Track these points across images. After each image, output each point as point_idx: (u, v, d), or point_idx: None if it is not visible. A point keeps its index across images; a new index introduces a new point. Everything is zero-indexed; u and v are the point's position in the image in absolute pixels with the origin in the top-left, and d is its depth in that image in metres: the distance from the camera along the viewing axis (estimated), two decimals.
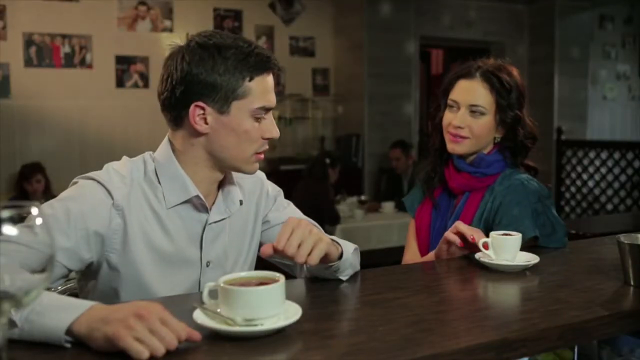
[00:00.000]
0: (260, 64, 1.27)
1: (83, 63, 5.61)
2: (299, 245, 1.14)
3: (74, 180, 1.28)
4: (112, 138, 5.45)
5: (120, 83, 5.70)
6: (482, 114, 1.68)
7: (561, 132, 6.97)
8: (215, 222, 1.34)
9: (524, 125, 1.73)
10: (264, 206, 1.47)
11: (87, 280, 1.31)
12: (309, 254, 1.15)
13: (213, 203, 1.35)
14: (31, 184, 4.77)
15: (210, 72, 1.24)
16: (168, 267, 1.29)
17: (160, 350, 0.88)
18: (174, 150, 1.32)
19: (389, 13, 6.53)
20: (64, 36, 5.53)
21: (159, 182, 1.30)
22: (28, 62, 5.42)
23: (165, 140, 1.35)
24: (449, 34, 7.17)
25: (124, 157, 1.34)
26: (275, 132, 1.32)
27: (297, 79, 6.65)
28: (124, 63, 5.71)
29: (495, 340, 0.97)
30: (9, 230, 0.74)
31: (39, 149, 5.38)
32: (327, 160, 4.85)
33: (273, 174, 5.83)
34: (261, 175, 1.52)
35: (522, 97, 1.74)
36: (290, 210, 1.51)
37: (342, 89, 6.78)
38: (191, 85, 1.24)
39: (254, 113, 1.27)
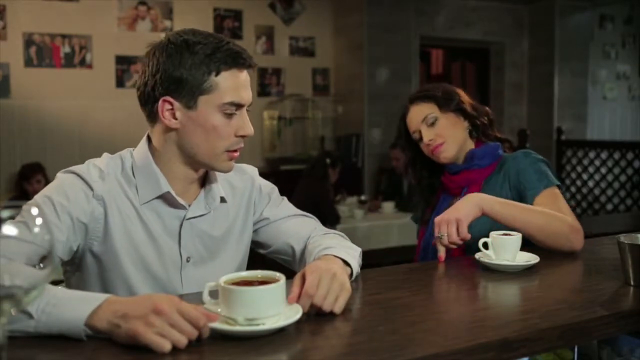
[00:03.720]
0: (228, 58, 1.26)
1: (83, 63, 5.61)
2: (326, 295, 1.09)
3: (57, 175, 1.30)
4: (112, 138, 5.45)
5: (120, 83, 5.70)
6: (436, 119, 1.82)
7: (561, 132, 6.97)
8: (193, 217, 1.35)
9: (470, 105, 1.87)
10: (256, 203, 1.48)
11: (72, 272, 1.33)
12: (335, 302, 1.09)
13: (195, 199, 1.36)
14: (31, 184, 4.77)
15: (177, 66, 1.25)
16: (147, 260, 1.31)
17: (183, 341, 0.91)
18: (151, 147, 1.34)
19: (389, 13, 6.53)
20: (64, 36, 5.53)
21: (135, 178, 1.32)
22: (28, 62, 5.42)
23: (145, 137, 1.37)
24: (449, 34, 7.17)
25: (105, 154, 1.37)
26: (248, 129, 1.30)
27: (297, 79, 6.65)
28: (124, 63, 5.72)
29: (495, 340, 0.97)
30: (9, 229, 0.74)
31: (39, 149, 5.38)
32: (328, 161, 4.85)
33: (273, 174, 5.83)
34: (252, 172, 1.52)
35: (454, 89, 1.89)
36: (285, 205, 1.52)
37: (342, 89, 6.78)
38: (160, 81, 1.26)
39: (222, 108, 1.26)
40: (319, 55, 6.78)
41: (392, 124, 7.21)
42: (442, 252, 1.51)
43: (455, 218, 1.50)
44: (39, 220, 0.77)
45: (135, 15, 5.81)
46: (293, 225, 1.48)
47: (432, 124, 1.81)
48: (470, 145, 1.85)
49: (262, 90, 6.50)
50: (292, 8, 6.61)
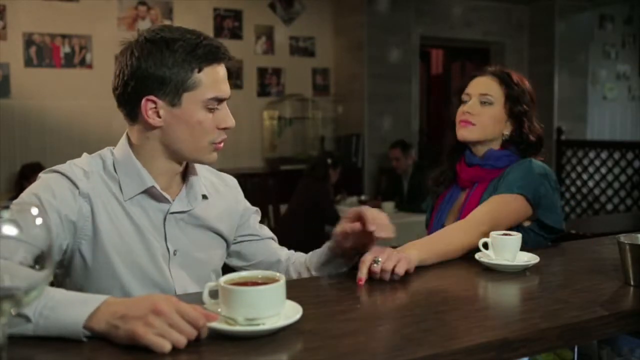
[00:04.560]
0: (208, 54, 1.27)
1: (83, 63, 5.61)
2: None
3: (39, 175, 1.31)
4: (112, 138, 5.39)
5: None
6: (491, 103, 1.77)
7: (561, 132, 6.98)
8: (176, 212, 1.36)
9: (531, 120, 1.80)
10: (243, 215, 1.52)
11: (62, 277, 1.33)
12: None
13: (177, 195, 1.37)
14: (31, 184, 4.77)
15: (159, 65, 1.25)
16: (136, 255, 1.31)
17: (182, 341, 0.91)
18: (131, 144, 1.35)
19: (389, 13, 6.53)
20: (64, 36, 5.54)
21: (117, 175, 1.33)
22: (28, 62, 5.42)
23: (124, 135, 1.38)
24: (449, 34, 7.17)
25: (84, 154, 1.38)
26: (230, 121, 1.32)
27: (297, 79, 6.65)
28: None
29: (495, 340, 0.97)
30: (9, 229, 0.74)
31: (39, 149, 5.38)
32: (329, 161, 4.85)
33: (273, 174, 5.83)
34: (235, 185, 1.56)
35: (532, 98, 1.82)
36: (267, 229, 1.61)
37: (342, 89, 6.78)
38: (141, 80, 1.26)
39: (206, 104, 1.28)
40: (319, 55, 6.78)
41: (392, 124, 7.16)
42: (364, 274, 1.30)
43: (404, 255, 1.35)
44: (39, 220, 0.76)
45: (135, 15, 5.81)
46: (277, 246, 1.59)
47: (483, 103, 1.77)
48: (496, 145, 1.80)
49: (262, 90, 6.50)
50: (292, 8, 6.61)
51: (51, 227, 1.16)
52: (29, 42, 5.41)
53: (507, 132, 1.80)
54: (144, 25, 5.81)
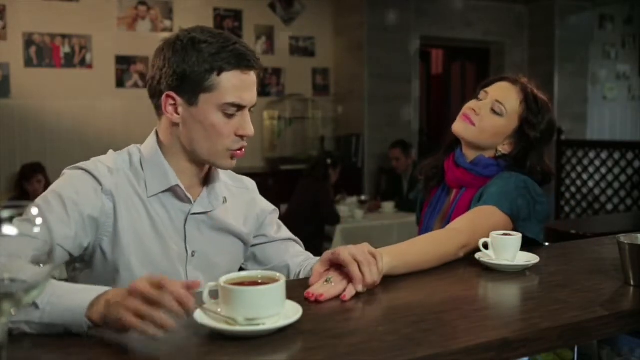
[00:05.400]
0: (231, 59, 1.27)
1: (83, 63, 5.61)
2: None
3: (63, 172, 1.31)
4: (112, 138, 5.45)
5: (120, 83, 5.70)
6: (501, 114, 1.70)
7: (561, 132, 6.97)
8: (197, 213, 1.37)
9: (539, 152, 1.72)
10: (259, 216, 1.52)
11: (81, 270, 1.34)
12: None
13: (198, 196, 1.38)
14: (31, 184, 4.77)
15: (180, 63, 1.26)
16: (153, 255, 1.32)
17: (157, 315, 0.89)
18: (159, 141, 1.36)
19: (389, 13, 6.53)
20: (64, 36, 5.53)
21: (143, 172, 1.34)
22: (28, 62, 5.42)
23: (153, 132, 1.39)
24: (449, 34, 7.17)
25: (110, 151, 1.39)
26: (249, 130, 1.31)
27: (297, 79, 6.66)
28: (124, 63, 5.71)
29: (495, 340, 0.97)
30: (10, 229, 0.74)
31: (39, 149, 5.38)
32: (329, 161, 4.86)
33: (273, 174, 5.84)
34: (253, 187, 1.56)
35: (550, 130, 1.74)
36: (285, 229, 1.57)
37: (342, 89, 6.79)
38: (165, 76, 1.29)
39: (222, 108, 1.28)
40: (319, 55, 6.78)
41: (392, 124, 7.16)
42: (315, 290, 1.18)
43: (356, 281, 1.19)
44: (39, 220, 0.76)
45: (135, 15, 5.81)
46: (294, 250, 1.54)
47: (493, 112, 1.69)
48: (489, 153, 1.73)
49: (262, 90, 6.49)
50: (292, 8, 6.61)
51: (54, 224, 1.18)
52: (29, 42, 5.41)
53: (502, 149, 1.72)
54: (144, 25, 5.81)
